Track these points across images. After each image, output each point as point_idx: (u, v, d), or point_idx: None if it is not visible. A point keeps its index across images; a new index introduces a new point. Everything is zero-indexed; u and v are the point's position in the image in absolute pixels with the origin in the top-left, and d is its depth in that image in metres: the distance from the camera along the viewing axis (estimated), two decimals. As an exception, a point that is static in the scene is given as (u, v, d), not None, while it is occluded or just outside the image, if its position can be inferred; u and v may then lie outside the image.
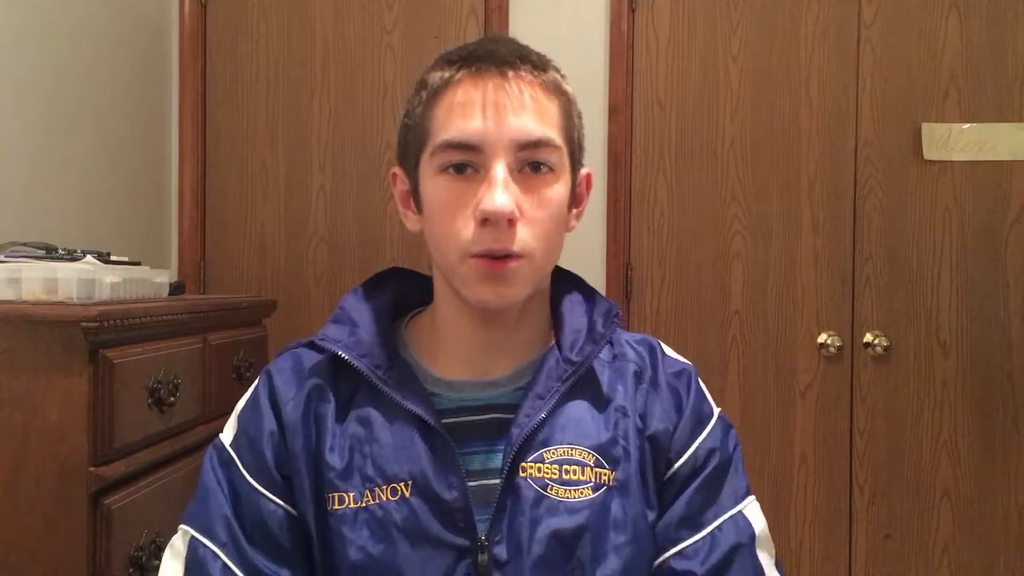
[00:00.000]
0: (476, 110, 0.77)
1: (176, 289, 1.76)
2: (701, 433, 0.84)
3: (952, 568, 2.21)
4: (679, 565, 0.79)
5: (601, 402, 0.83)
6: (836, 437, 2.24)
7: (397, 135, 0.87)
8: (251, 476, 0.80)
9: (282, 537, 0.78)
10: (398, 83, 2.34)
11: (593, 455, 0.80)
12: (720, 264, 2.29)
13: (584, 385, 0.83)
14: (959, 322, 2.21)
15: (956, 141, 2.20)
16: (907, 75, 2.23)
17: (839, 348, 2.23)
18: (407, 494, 0.77)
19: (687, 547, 0.79)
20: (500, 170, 0.76)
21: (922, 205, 2.22)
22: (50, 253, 1.42)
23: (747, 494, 0.84)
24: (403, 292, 0.92)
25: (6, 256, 1.38)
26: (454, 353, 0.85)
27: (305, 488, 0.79)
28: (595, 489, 0.79)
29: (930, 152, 2.21)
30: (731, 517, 0.81)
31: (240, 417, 0.84)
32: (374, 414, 0.81)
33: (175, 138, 2.36)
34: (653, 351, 0.89)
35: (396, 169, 0.88)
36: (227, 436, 0.83)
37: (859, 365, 2.24)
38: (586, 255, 2.30)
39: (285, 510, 0.79)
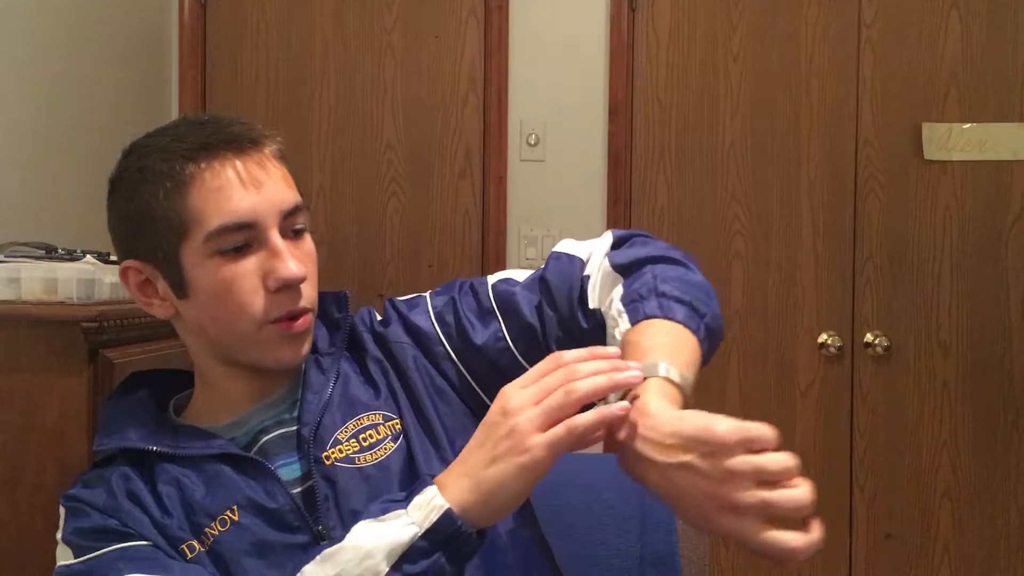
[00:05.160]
0: (238, 190, 0.81)
1: (176, 289, 1.76)
2: (426, 309, 0.94)
3: (952, 568, 2.21)
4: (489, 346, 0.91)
5: (360, 369, 0.92)
6: (836, 437, 2.24)
7: (122, 229, 0.86)
8: (116, 546, 0.78)
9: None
10: (398, 83, 2.34)
11: (378, 413, 0.87)
12: (720, 264, 2.28)
13: (346, 366, 0.91)
14: (959, 322, 2.21)
15: (956, 141, 2.20)
16: (907, 75, 2.23)
17: (839, 348, 2.23)
18: (236, 518, 0.80)
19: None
20: (278, 239, 0.82)
21: (922, 205, 2.22)
22: (50, 253, 1.42)
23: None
24: (153, 392, 0.94)
25: (6, 256, 1.37)
26: (230, 402, 0.89)
27: (161, 542, 0.79)
28: (395, 439, 0.86)
29: (930, 152, 2.21)
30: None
31: (67, 538, 0.81)
32: (180, 473, 0.83)
33: (175, 138, 2.36)
34: (369, 310, 0.98)
35: (130, 263, 0.87)
36: (66, 559, 0.80)
37: (859, 365, 2.24)
38: (586, 255, 2.29)
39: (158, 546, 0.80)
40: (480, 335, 0.90)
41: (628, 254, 0.88)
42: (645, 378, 0.68)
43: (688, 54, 2.30)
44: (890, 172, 2.23)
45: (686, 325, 0.78)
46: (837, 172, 2.25)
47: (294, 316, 0.84)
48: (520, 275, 0.95)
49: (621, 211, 2.28)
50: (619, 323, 0.82)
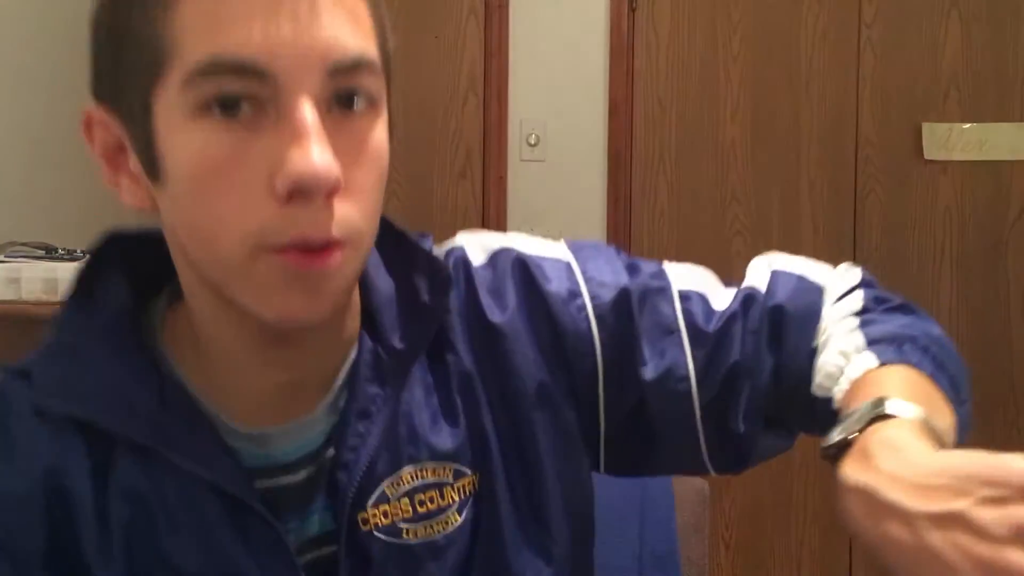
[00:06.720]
0: (256, 10, 0.46)
1: (176, 289, 1.76)
2: (577, 288, 0.64)
3: (952, 568, 2.21)
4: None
5: (436, 382, 0.60)
6: (836, 437, 2.23)
7: (94, 58, 0.57)
8: None
9: None
10: (398, 83, 2.34)
11: (449, 466, 0.58)
12: (720, 264, 2.25)
13: (418, 376, 0.59)
14: (959, 322, 2.21)
15: (957, 141, 2.20)
16: (907, 75, 2.23)
17: (839, 348, 2.23)
18: None
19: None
20: (308, 110, 0.47)
21: (922, 205, 2.22)
22: (50, 253, 1.42)
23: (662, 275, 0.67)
24: (138, 271, 0.59)
25: (6, 256, 1.38)
26: (242, 392, 0.56)
27: None
28: (462, 508, 0.58)
29: (930, 152, 2.21)
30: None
31: None
32: (148, 484, 0.53)
33: (175, 138, 2.36)
34: (465, 266, 0.66)
35: (93, 109, 0.57)
36: None
37: (859, 365, 2.24)
38: (586, 255, 2.30)
39: None
40: (650, 367, 0.61)
41: (886, 329, 0.62)
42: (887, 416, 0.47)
43: (688, 54, 2.30)
44: (890, 172, 2.23)
45: (946, 397, 0.54)
46: (837, 172, 2.25)
47: (311, 246, 0.48)
48: (710, 286, 0.69)
49: (621, 211, 2.28)
50: (850, 361, 0.56)
